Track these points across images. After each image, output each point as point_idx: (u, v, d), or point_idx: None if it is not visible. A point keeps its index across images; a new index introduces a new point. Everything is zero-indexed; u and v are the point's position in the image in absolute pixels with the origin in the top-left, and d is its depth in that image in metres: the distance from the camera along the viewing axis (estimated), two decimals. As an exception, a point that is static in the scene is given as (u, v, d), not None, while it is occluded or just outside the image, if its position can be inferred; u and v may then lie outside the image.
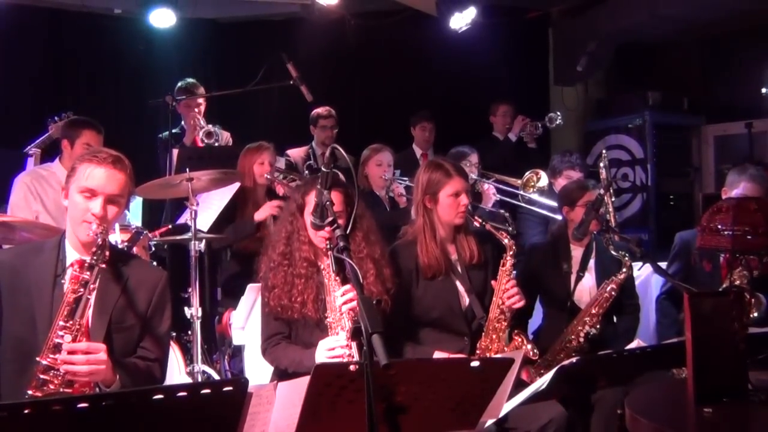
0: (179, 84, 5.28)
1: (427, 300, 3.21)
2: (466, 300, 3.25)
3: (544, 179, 5.18)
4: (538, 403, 2.84)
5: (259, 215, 4.45)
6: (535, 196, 5.15)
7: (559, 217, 4.36)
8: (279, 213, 4.35)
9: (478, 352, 3.16)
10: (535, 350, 3.14)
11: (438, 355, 3.09)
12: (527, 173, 5.24)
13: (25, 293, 2.38)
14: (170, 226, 4.54)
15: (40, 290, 2.38)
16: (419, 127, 6.07)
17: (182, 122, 5.35)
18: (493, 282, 3.22)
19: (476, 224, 3.24)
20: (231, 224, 4.51)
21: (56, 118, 4.75)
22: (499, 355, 3.06)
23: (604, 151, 5.72)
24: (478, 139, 6.20)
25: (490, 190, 5.28)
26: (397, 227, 4.43)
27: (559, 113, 6.30)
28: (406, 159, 5.77)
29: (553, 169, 4.98)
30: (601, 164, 5.47)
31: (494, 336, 3.15)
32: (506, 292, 3.13)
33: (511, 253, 3.17)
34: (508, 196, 5.32)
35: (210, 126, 5.12)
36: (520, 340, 3.15)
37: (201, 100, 5.27)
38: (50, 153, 4.64)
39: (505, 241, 3.18)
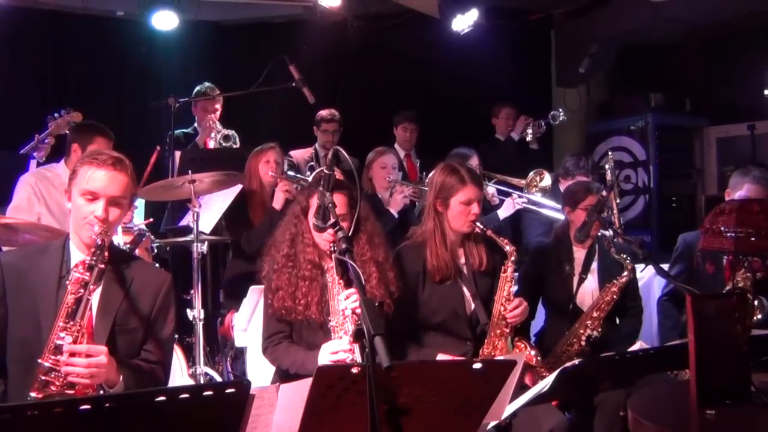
0: (198, 88, 5.35)
1: (432, 303, 3.20)
2: (471, 305, 3.24)
3: (546, 180, 5.18)
4: (540, 412, 2.84)
5: (277, 203, 4.45)
6: (538, 197, 5.15)
7: (562, 216, 4.36)
8: (291, 193, 4.37)
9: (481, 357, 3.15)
10: (538, 357, 3.14)
11: (442, 357, 3.08)
12: (531, 173, 5.24)
13: (31, 295, 2.39)
14: (151, 219, 4.54)
15: (44, 292, 2.39)
16: (401, 128, 6.03)
17: (195, 124, 5.37)
18: None
19: (477, 230, 3.21)
20: (246, 232, 4.50)
21: (55, 114, 4.75)
22: (501, 357, 3.06)
23: (610, 153, 5.76)
24: (480, 140, 6.21)
25: (492, 194, 5.30)
26: (388, 231, 4.48)
27: (561, 110, 6.30)
28: None
29: (566, 170, 4.96)
30: (607, 166, 5.50)
31: (497, 342, 3.14)
32: (511, 309, 3.12)
33: (512, 259, 3.15)
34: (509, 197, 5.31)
35: (228, 130, 5.19)
36: (522, 346, 3.15)
37: (218, 105, 5.33)
38: (54, 150, 4.65)
39: (507, 248, 3.17)
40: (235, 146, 5.16)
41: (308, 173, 5.33)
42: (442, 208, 3.22)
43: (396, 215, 4.81)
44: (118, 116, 6.03)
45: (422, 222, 3.34)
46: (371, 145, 5.28)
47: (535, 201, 5.13)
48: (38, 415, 1.54)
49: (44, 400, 2.13)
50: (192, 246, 4.06)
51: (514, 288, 3.27)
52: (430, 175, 3.36)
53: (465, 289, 3.24)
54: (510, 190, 5.23)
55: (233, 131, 5.20)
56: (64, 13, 6.12)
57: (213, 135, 5.20)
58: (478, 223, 3.20)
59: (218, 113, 5.32)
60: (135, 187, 2.54)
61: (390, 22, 6.65)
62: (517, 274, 3.31)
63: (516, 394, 2.59)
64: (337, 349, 2.67)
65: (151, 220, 4.43)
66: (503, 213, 5.18)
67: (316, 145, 5.75)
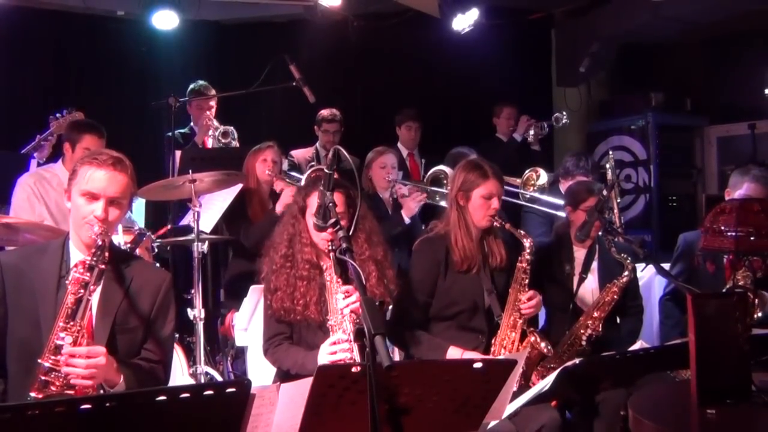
0: (191, 86, 5.34)
1: (453, 293, 3.26)
2: (488, 299, 3.29)
3: (543, 177, 5.17)
4: (534, 408, 2.85)
5: (280, 207, 4.44)
6: (536, 195, 5.14)
7: (562, 214, 4.36)
8: (289, 187, 4.37)
9: (493, 349, 3.22)
10: (549, 347, 3.22)
11: (453, 350, 3.14)
12: (527, 171, 5.24)
13: (30, 294, 2.38)
14: (170, 227, 4.55)
15: (44, 291, 2.38)
16: (405, 127, 6.05)
17: (191, 123, 5.37)
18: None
19: (496, 224, 3.27)
20: (245, 228, 4.49)
21: (57, 114, 4.75)
22: (502, 357, 3.07)
23: (610, 152, 5.75)
24: (481, 140, 6.21)
25: None
26: (395, 235, 4.48)
27: (564, 113, 6.31)
28: None
29: (566, 170, 4.94)
30: (607, 165, 5.50)
31: (509, 332, 3.21)
32: (525, 301, 3.19)
33: (528, 250, 3.23)
34: (510, 196, 5.29)
35: (226, 126, 5.18)
36: (533, 338, 3.20)
37: (213, 102, 5.32)
38: (55, 151, 4.65)
39: (525, 241, 3.24)
40: (234, 142, 5.17)
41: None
42: (463, 202, 3.29)
43: (408, 221, 4.78)
44: (119, 115, 6.03)
45: (444, 215, 3.41)
46: (372, 145, 5.27)
47: (535, 198, 5.11)
48: (39, 414, 1.55)
49: (45, 399, 2.13)
50: (192, 245, 4.06)
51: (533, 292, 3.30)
52: (431, 171, 3.38)
53: (483, 283, 3.30)
54: (520, 192, 5.21)
55: (232, 127, 5.20)
56: (64, 12, 6.12)
57: (211, 132, 5.20)
58: (497, 217, 3.27)
59: (213, 110, 5.32)
60: (134, 187, 2.54)
61: (390, 22, 6.65)
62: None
63: (516, 392, 2.60)
64: (336, 348, 2.66)
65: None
66: None
67: (317, 145, 5.75)
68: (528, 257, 3.23)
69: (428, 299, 3.26)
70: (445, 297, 3.26)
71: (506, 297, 3.27)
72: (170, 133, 4.97)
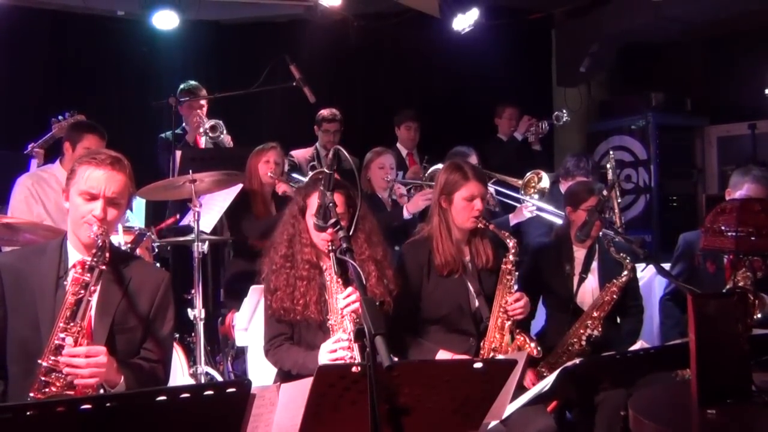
0: (181, 86, 5.31)
1: (437, 296, 3.23)
2: (476, 301, 3.27)
3: (545, 180, 5.15)
4: (531, 413, 2.84)
5: (280, 190, 4.45)
6: (536, 198, 5.13)
7: (559, 221, 4.36)
8: (291, 190, 4.37)
9: (482, 352, 3.18)
10: (538, 348, 3.17)
11: (442, 354, 3.10)
12: (528, 174, 5.21)
13: (29, 295, 2.38)
14: (177, 216, 4.55)
15: (43, 292, 2.38)
16: (404, 127, 6.06)
17: (183, 123, 5.36)
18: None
19: (480, 225, 3.25)
20: (249, 220, 4.49)
21: (60, 117, 4.76)
22: (502, 357, 3.07)
23: (610, 152, 5.75)
24: (482, 140, 6.21)
25: (490, 194, 5.27)
26: (393, 228, 4.48)
27: (565, 111, 6.31)
28: None
29: (567, 171, 4.94)
30: (608, 165, 5.49)
31: (497, 335, 3.18)
32: (512, 302, 3.16)
33: (513, 251, 3.20)
34: (510, 198, 5.29)
35: (213, 120, 5.15)
36: (522, 339, 3.17)
37: (203, 102, 5.30)
38: (52, 153, 4.65)
39: (508, 242, 3.21)
40: (223, 135, 5.14)
41: (310, 173, 5.32)
42: (446, 204, 3.27)
43: (408, 215, 4.78)
44: (119, 116, 6.04)
45: (428, 218, 3.38)
46: (371, 145, 5.28)
47: (542, 207, 5.09)
48: (39, 414, 1.55)
49: (45, 399, 2.13)
50: (193, 245, 4.06)
51: (515, 285, 3.29)
52: (431, 170, 3.38)
53: (470, 285, 3.27)
54: (519, 196, 5.20)
55: (220, 120, 5.16)
56: (64, 12, 6.12)
57: (201, 130, 5.15)
58: (481, 218, 3.23)
59: (204, 110, 5.29)
60: (133, 187, 2.53)
61: (390, 22, 6.66)
62: (517, 273, 3.32)
63: (516, 393, 2.59)
64: (335, 347, 2.66)
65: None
66: (515, 219, 5.16)
67: (317, 145, 5.75)
68: (513, 258, 3.20)
69: (415, 302, 3.23)
70: (430, 300, 3.23)
71: (494, 298, 3.23)
72: (163, 134, 4.97)
